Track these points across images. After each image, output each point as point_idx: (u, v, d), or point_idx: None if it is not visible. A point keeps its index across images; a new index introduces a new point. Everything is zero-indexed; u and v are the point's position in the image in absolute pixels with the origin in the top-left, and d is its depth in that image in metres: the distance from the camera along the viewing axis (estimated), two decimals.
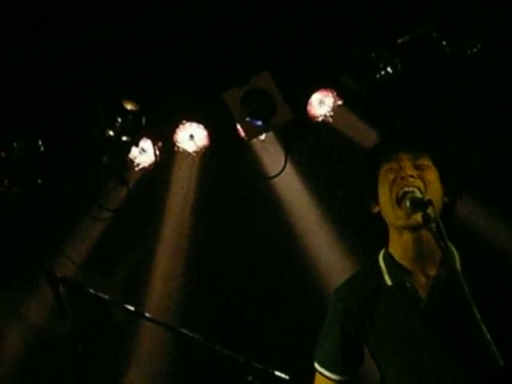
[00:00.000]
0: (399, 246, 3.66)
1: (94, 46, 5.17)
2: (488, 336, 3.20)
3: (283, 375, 4.31)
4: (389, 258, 3.72)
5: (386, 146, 3.81)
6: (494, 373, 3.41)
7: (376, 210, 3.72)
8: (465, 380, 3.59)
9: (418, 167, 3.65)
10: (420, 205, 3.42)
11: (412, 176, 3.54)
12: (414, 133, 3.99)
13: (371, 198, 3.74)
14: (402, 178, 3.58)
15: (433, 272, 3.63)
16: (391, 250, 3.71)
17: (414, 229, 3.54)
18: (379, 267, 3.77)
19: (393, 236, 3.69)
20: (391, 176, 3.61)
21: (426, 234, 3.54)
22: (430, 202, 3.40)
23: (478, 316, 3.20)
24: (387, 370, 3.78)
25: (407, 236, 3.60)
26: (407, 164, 3.63)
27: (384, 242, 3.84)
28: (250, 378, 4.29)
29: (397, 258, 3.68)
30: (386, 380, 3.80)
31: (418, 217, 3.42)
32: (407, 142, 3.76)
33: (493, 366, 3.23)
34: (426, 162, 3.62)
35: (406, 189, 3.49)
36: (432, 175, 3.60)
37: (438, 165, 3.66)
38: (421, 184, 3.58)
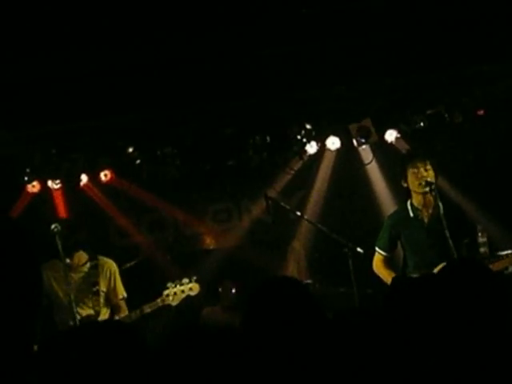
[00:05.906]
0: (417, 199, 6.28)
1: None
2: (450, 241, 5.81)
3: (360, 249, 6.75)
4: (411, 205, 6.34)
5: (411, 158, 6.43)
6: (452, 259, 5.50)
7: (405, 185, 6.30)
8: (441, 260, 5.64)
9: (426, 170, 6.23)
10: (429, 183, 6.11)
11: (426, 171, 6.19)
12: (424, 154, 6.58)
13: (403, 180, 6.30)
14: (422, 175, 6.08)
15: (430, 211, 6.24)
16: (412, 201, 6.31)
17: (425, 193, 6.17)
18: (407, 209, 6.39)
19: (414, 195, 6.30)
20: (417, 172, 6.14)
21: (428, 195, 6.17)
22: (432, 183, 6.01)
23: (447, 230, 5.85)
24: (409, 254, 6.31)
25: (421, 196, 6.25)
26: (422, 167, 6.19)
27: (408, 197, 6.45)
28: (346, 250, 6.56)
29: (415, 204, 6.29)
30: (407, 259, 6.29)
31: (427, 189, 6.11)
32: (422, 158, 6.35)
33: (452, 255, 5.69)
34: (428, 166, 6.24)
35: (427, 179, 6.09)
36: (431, 171, 6.19)
37: (433, 167, 6.29)
38: (431, 174, 6.17)
